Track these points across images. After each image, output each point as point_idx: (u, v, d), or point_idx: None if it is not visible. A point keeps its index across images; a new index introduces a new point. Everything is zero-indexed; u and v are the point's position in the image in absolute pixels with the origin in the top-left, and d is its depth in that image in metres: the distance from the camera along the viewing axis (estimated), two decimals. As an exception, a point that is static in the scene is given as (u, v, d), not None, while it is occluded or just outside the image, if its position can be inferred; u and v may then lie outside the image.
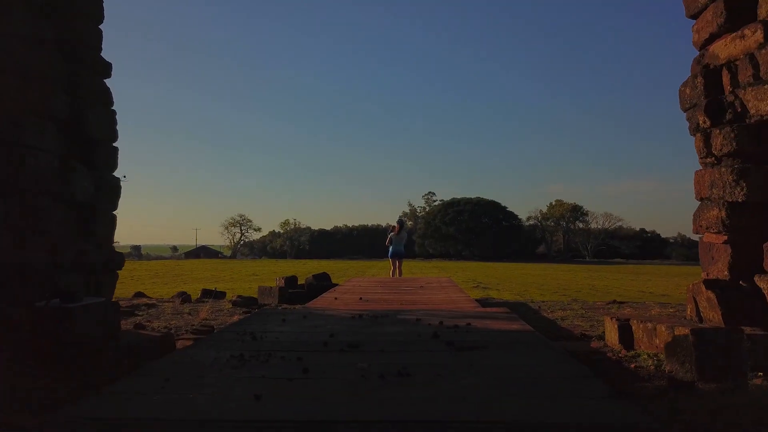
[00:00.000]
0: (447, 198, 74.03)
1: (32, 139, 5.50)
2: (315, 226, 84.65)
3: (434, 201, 78.47)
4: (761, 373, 4.57)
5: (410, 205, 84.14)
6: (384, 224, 76.50)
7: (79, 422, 2.33)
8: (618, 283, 22.49)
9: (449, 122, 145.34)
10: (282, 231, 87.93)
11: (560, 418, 2.46)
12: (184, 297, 13.55)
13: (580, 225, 79.22)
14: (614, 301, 12.51)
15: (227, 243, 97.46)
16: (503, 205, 69.04)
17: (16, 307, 5.23)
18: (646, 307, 10.18)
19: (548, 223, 79.64)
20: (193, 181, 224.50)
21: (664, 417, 3.25)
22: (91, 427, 2.29)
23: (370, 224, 79.90)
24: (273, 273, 27.98)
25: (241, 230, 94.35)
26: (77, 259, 6.14)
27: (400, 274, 16.76)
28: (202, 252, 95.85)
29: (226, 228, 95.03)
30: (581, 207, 77.82)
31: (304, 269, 29.48)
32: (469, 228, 64.81)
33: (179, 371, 3.14)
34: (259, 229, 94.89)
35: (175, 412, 2.45)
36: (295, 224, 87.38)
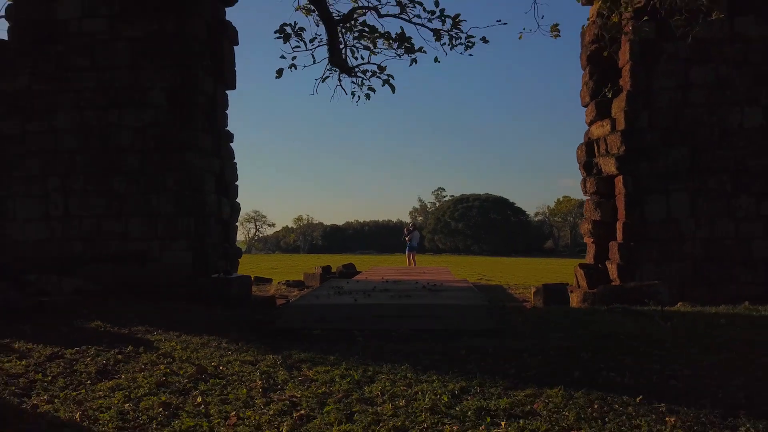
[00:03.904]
0: (456, 194, 74.26)
1: (207, 187, 10.04)
2: (327, 222, 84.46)
3: (444, 197, 79.33)
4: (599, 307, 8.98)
5: (420, 200, 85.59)
6: (395, 220, 78.27)
7: (295, 306, 6.92)
8: (614, 276, 25.46)
9: (457, 119, 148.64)
10: (295, 226, 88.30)
11: (457, 302, 6.95)
12: (248, 281, 18.06)
13: (588, 220, 79.88)
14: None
15: (242, 238, 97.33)
16: (511, 201, 68.07)
17: (203, 277, 9.76)
18: (583, 286, 14.50)
19: (556, 218, 80.00)
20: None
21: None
22: (302, 306, 6.83)
23: (381, 220, 79.04)
24: (291, 267, 29.96)
25: (255, 226, 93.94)
26: (223, 252, 10.67)
27: (415, 264, 22.50)
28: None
29: (242, 223, 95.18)
30: (588, 203, 78.39)
31: (319, 264, 31.60)
32: (478, 224, 64.32)
33: (318, 296, 7.63)
34: (273, 225, 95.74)
35: (329, 303, 6.98)
36: (308, 220, 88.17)
